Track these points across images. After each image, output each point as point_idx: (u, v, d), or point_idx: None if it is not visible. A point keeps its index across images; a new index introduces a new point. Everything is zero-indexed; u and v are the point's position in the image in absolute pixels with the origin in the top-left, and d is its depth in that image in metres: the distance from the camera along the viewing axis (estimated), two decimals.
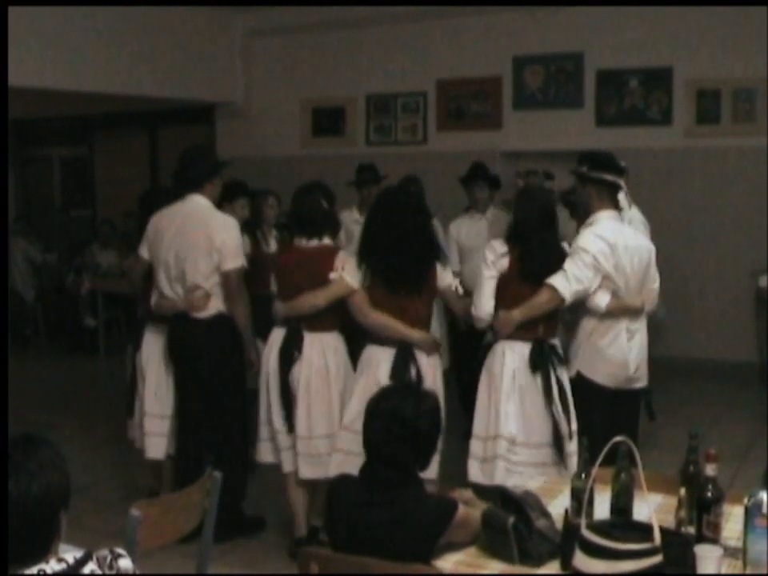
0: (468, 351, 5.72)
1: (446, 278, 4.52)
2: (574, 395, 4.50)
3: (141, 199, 5.68)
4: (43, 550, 1.94)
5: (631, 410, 4.68)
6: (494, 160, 9.15)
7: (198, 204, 4.90)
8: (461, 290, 4.82)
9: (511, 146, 9.37)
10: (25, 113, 11.25)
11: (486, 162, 7.10)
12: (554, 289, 4.37)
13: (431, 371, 4.48)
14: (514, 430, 4.39)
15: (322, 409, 4.59)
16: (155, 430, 5.20)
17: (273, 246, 6.47)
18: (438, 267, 4.47)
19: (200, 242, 4.77)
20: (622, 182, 4.67)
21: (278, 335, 4.69)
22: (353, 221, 6.81)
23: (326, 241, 4.65)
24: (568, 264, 4.39)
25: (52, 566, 1.93)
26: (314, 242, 4.61)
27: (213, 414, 4.88)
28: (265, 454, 4.79)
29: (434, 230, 4.74)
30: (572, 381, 4.55)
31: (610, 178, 4.63)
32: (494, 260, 4.45)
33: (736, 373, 8.16)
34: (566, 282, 4.37)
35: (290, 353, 4.62)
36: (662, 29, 8.69)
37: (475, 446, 4.53)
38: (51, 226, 12.60)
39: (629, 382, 4.61)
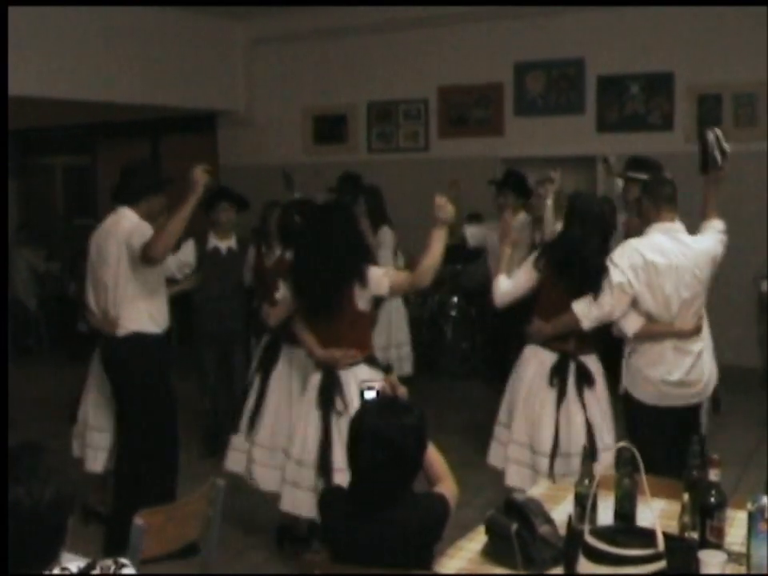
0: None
1: (381, 282, 4.31)
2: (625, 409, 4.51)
3: None
4: (53, 555, 1.94)
5: (686, 424, 4.39)
6: (495, 166, 9.16)
7: (124, 217, 4.72)
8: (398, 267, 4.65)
9: (513, 153, 9.37)
10: (27, 122, 11.24)
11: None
12: (575, 313, 4.38)
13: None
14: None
15: None
16: (95, 443, 5.23)
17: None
18: (357, 287, 4.28)
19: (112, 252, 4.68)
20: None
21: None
22: None
23: None
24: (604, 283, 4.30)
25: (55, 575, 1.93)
26: None
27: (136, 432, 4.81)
28: None
29: (356, 243, 4.42)
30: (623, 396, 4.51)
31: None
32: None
33: (739, 378, 8.11)
34: (585, 308, 4.34)
35: None
36: (662, 34, 8.68)
37: (515, 451, 4.60)
38: (54, 235, 12.60)
39: (683, 399, 4.43)
